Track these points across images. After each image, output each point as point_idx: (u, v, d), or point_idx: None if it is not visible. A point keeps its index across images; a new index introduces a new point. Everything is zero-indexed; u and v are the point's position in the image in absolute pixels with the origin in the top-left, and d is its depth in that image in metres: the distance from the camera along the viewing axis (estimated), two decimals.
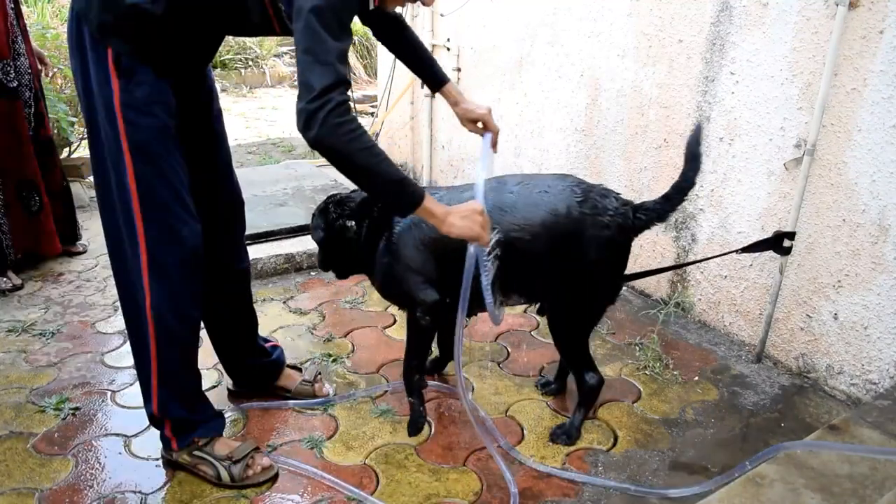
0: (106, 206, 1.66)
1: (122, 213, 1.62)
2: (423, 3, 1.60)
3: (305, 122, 1.39)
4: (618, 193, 1.90)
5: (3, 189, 2.92)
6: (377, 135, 4.94)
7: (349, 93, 1.44)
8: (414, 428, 2.03)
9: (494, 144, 1.91)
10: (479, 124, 1.91)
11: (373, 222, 1.96)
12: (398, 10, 1.77)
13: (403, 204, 1.55)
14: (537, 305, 2.13)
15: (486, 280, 1.68)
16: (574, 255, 1.83)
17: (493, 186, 1.88)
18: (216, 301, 1.99)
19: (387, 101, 4.62)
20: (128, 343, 2.48)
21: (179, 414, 1.79)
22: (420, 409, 2.06)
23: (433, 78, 1.94)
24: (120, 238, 1.66)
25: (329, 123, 1.38)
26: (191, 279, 1.71)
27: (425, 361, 2.13)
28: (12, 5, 2.88)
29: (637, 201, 1.92)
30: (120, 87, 1.53)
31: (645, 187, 2.85)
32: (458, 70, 3.87)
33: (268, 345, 2.19)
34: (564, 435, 2.00)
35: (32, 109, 3.00)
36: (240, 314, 2.09)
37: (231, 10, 1.59)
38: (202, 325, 1.90)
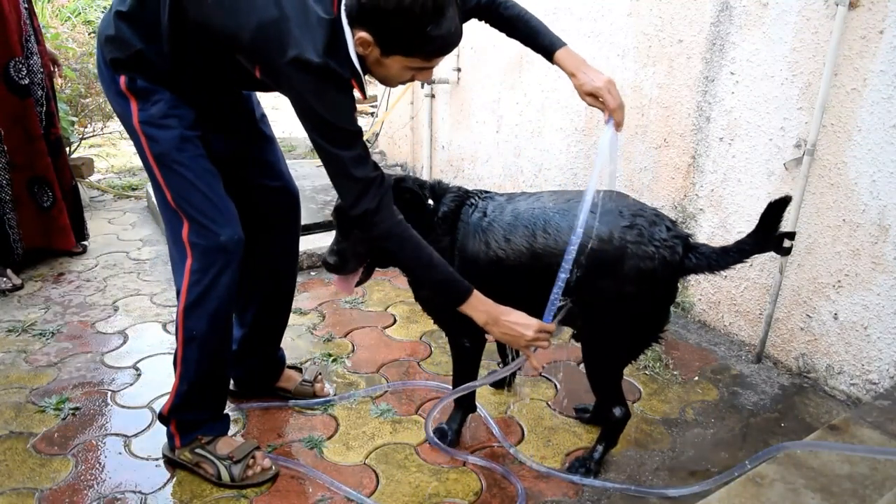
0: (161, 212, 1.74)
1: (172, 219, 1.70)
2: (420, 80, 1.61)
3: (360, 225, 1.62)
4: (672, 221, 1.73)
5: (14, 185, 2.92)
6: (377, 135, 4.94)
7: (382, 184, 1.55)
8: (438, 435, 1.98)
9: (619, 124, 1.64)
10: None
11: (446, 217, 1.84)
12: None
13: (449, 300, 1.64)
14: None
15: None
16: (611, 286, 1.68)
17: (539, 207, 1.77)
18: (253, 303, 2.03)
19: (387, 101, 4.62)
20: (128, 343, 2.51)
21: (188, 414, 1.80)
22: (455, 427, 1.98)
23: (540, 49, 1.79)
24: (171, 242, 1.74)
25: (380, 229, 1.56)
26: (226, 285, 1.71)
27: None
28: (26, 5, 2.89)
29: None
30: (137, 108, 1.63)
31: (645, 187, 2.85)
32: (458, 70, 3.87)
33: None
34: (583, 468, 1.86)
35: (44, 108, 3.00)
36: (273, 319, 2.10)
37: (232, 70, 1.62)
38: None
